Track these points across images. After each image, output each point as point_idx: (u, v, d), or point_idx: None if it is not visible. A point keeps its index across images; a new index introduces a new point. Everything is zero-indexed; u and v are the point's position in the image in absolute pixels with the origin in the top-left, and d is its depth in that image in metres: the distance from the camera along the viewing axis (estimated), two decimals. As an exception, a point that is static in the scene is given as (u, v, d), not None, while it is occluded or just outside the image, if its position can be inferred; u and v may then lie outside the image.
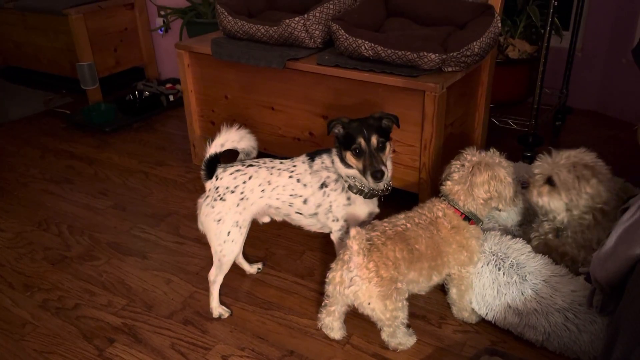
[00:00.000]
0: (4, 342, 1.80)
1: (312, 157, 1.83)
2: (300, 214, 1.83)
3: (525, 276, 1.67)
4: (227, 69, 2.58)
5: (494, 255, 1.74)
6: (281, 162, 1.83)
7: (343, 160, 1.71)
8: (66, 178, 2.89)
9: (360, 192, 1.75)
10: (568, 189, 1.74)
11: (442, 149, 2.19)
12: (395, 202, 2.53)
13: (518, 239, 1.79)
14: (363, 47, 2.16)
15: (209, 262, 2.17)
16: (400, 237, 1.61)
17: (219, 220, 1.77)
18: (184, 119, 2.94)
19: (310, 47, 2.42)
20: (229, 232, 1.78)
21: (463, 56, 2.06)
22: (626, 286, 1.24)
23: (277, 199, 1.80)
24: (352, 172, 1.72)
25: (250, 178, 1.78)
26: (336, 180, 1.77)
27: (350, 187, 1.75)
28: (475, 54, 2.09)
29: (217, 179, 1.79)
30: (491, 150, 1.77)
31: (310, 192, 1.78)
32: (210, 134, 2.86)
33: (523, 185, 1.84)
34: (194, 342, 1.78)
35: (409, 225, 1.65)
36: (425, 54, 2.05)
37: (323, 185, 1.77)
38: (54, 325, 1.87)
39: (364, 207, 1.81)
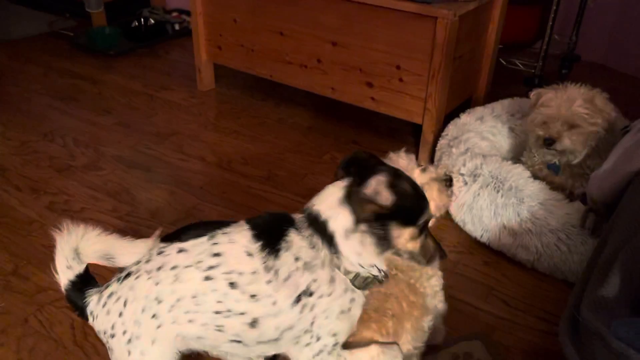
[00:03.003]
0: (12, 237, 1.85)
1: (271, 243, 1.03)
2: (239, 342, 1.07)
3: (523, 199, 1.72)
4: (238, -10, 2.55)
5: (493, 178, 1.78)
6: (180, 250, 1.04)
7: (388, 241, 1.01)
8: (70, 95, 2.88)
9: (363, 280, 1.07)
10: (593, 124, 1.78)
11: (450, 81, 2.20)
12: (398, 134, 2.57)
13: (518, 164, 1.83)
14: (377, -29, 2.13)
15: (213, 178, 2.23)
16: None
17: None
18: (189, 47, 2.93)
19: (324, -29, 2.38)
20: None
21: (478, -16, 2.05)
22: (623, 196, 1.28)
23: (191, 321, 1.04)
24: (385, 258, 1.05)
25: (125, 304, 1.05)
26: (331, 281, 1.04)
27: (356, 281, 1.06)
28: (490, -16, 2.08)
29: (93, 319, 1.09)
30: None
31: (272, 310, 1.03)
32: (217, 60, 2.86)
33: (547, 142, 1.81)
34: (196, 247, 1.84)
35: None
36: (440, -20, 2.03)
37: (303, 295, 1.02)
38: (61, 224, 1.91)
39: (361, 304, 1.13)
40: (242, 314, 1.02)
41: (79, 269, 1.07)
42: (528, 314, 1.62)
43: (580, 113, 1.77)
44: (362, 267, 1.03)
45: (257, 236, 1.04)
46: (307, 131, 2.59)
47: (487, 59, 2.54)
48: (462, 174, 1.86)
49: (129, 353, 1.06)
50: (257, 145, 2.47)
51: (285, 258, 1.02)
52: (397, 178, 0.98)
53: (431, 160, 2.25)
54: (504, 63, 2.78)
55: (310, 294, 1.02)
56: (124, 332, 1.05)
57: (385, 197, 0.95)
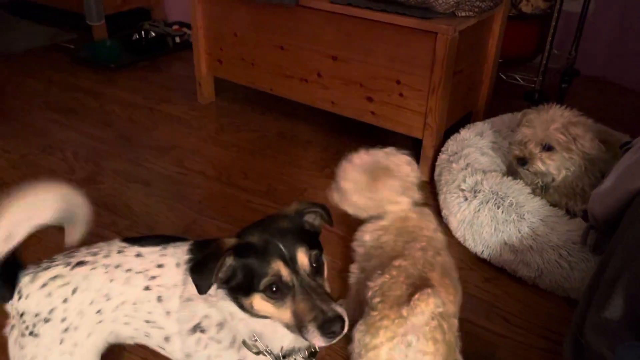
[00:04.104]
0: (9, 252, 1.84)
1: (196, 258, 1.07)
2: (163, 349, 1.14)
3: (524, 215, 1.71)
4: (238, 5, 2.56)
5: (494, 194, 1.78)
6: (138, 254, 1.10)
7: (245, 308, 0.98)
8: (71, 109, 2.89)
9: (265, 354, 1.03)
10: (568, 150, 1.79)
11: (450, 95, 2.20)
12: (398, 149, 2.56)
13: (519, 180, 1.83)
14: (378, -13, 2.15)
15: (212, 192, 2.22)
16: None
17: None
18: (189, 60, 2.93)
19: (324, -14, 2.39)
20: None
21: (477, 0, 2.06)
22: (625, 214, 1.27)
23: (127, 324, 1.10)
24: (262, 325, 1.00)
25: (74, 291, 1.06)
26: (220, 326, 1.05)
27: (246, 345, 1.03)
28: None
29: (20, 298, 1.06)
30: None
31: (176, 330, 1.07)
32: (217, 73, 2.86)
33: (521, 162, 1.83)
34: (195, 263, 1.82)
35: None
36: (440, -5, 2.04)
37: (196, 328, 1.06)
38: (59, 238, 1.89)
39: None
40: (161, 328, 1.08)
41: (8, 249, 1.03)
42: (530, 331, 1.61)
43: (556, 136, 1.78)
44: (251, 332, 1.00)
45: (191, 251, 1.09)
46: (307, 145, 2.59)
47: (487, 73, 2.55)
48: (463, 190, 1.85)
49: (61, 342, 1.06)
50: (257, 159, 2.47)
51: None
52: (244, 248, 0.96)
53: (431, 176, 2.24)
54: (504, 78, 2.79)
55: (202, 331, 1.05)
56: (63, 320, 1.05)
57: (221, 273, 0.95)
